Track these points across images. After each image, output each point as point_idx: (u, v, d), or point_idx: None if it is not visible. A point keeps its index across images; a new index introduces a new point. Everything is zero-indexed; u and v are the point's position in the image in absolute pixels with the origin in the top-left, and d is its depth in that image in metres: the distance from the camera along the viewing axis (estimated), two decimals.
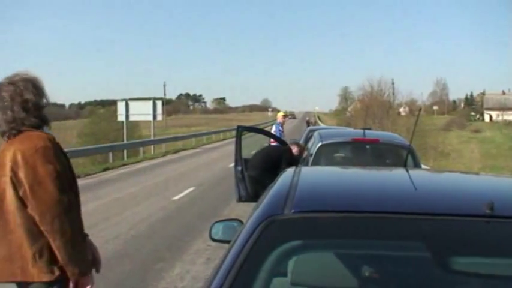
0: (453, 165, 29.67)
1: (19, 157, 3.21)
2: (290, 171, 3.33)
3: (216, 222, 4.00)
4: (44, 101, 3.46)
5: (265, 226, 2.33)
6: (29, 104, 3.32)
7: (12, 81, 3.36)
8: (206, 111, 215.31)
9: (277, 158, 10.37)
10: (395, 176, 3.59)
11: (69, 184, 3.38)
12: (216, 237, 3.95)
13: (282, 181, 3.07)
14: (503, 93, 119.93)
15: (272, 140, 14.02)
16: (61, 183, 3.24)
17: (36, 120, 3.36)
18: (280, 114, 19.48)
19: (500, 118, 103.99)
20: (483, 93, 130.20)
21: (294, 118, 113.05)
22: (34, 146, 3.24)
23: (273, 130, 17.41)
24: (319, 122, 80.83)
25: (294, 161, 11.48)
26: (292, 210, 2.42)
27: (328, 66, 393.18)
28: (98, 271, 3.64)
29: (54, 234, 3.17)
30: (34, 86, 3.39)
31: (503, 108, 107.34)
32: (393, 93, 58.75)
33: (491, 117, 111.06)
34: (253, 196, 10.19)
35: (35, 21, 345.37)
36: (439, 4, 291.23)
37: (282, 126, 18.40)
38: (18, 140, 3.30)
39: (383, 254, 2.54)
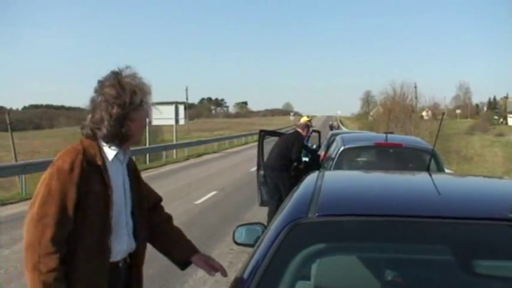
0: (476, 169, 29.39)
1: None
2: (313, 175, 3.34)
3: (239, 226, 4.02)
4: (135, 116, 3.03)
5: (290, 229, 2.35)
6: (114, 110, 2.94)
7: (113, 83, 2.99)
8: (228, 115, 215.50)
9: (288, 144, 10.60)
10: (418, 180, 3.58)
11: (81, 216, 2.90)
12: (239, 241, 3.96)
13: (306, 185, 3.09)
14: None
15: None
16: (45, 210, 2.81)
17: (107, 134, 2.97)
18: (303, 119, 19.45)
19: None
20: (506, 97, 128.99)
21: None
22: (55, 161, 2.93)
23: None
24: (342, 126, 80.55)
25: (305, 145, 11.76)
26: (317, 214, 2.43)
27: (350, 70, 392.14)
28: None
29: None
30: (132, 94, 2.99)
31: None
32: (416, 97, 58.44)
33: None
34: (273, 196, 10.31)
35: (54, 25, 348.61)
36: (462, 8, 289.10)
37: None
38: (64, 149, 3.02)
39: (406, 258, 2.55)
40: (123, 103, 2.96)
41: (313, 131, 18.27)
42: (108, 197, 2.98)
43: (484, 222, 2.38)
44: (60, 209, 2.83)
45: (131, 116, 3.01)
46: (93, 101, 3.02)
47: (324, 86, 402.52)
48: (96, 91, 3.03)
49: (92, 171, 2.93)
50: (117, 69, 3.07)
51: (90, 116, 3.01)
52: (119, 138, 3.02)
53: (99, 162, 2.97)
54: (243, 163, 27.98)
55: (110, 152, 3.04)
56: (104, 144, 3.03)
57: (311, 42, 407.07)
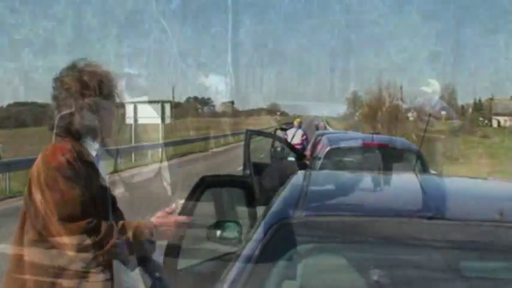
0: (461, 170, 29.51)
1: (33, 174, 2.71)
2: (300, 175, 3.34)
3: (218, 223, 3.98)
4: (107, 105, 2.86)
5: (277, 229, 2.34)
6: (83, 101, 2.75)
7: (77, 69, 2.80)
8: (215, 114, 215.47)
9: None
10: (404, 180, 3.59)
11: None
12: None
13: (293, 185, 3.08)
14: None
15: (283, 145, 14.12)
16: (67, 212, 2.64)
17: (80, 128, 2.78)
18: (298, 120, 20.08)
19: (508, 123, 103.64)
20: (491, 99, 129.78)
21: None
22: (46, 162, 2.69)
23: (302, 134, 17.93)
24: (328, 126, 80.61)
25: (289, 144, 11.99)
26: (304, 214, 2.42)
27: (337, 70, 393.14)
28: None
29: None
30: (99, 83, 2.80)
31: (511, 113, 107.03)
32: (401, 99, 58.59)
33: (499, 122, 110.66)
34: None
35: (45, 21, 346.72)
36: (448, 8, 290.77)
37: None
38: (47, 150, 2.77)
39: (393, 258, 2.55)
40: (90, 93, 2.77)
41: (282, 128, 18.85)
42: (105, 191, 2.88)
43: (470, 223, 2.39)
44: (81, 203, 2.67)
45: (102, 106, 2.83)
46: (55, 98, 2.83)
47: (310, 85, 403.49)
48: (56, 88, 2.83)
49: (84, 166, 2.76)
50: (72, 63, 2.86)
51: (56, 112, 2.80)
52: (92, 131, 2.85)
53: (87, 158, 2.82)
54: (229, 162, 27.93)
55: (89, 147, 2.88)
56: (80, 139, 2.84)
57: (297, 42, 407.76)
